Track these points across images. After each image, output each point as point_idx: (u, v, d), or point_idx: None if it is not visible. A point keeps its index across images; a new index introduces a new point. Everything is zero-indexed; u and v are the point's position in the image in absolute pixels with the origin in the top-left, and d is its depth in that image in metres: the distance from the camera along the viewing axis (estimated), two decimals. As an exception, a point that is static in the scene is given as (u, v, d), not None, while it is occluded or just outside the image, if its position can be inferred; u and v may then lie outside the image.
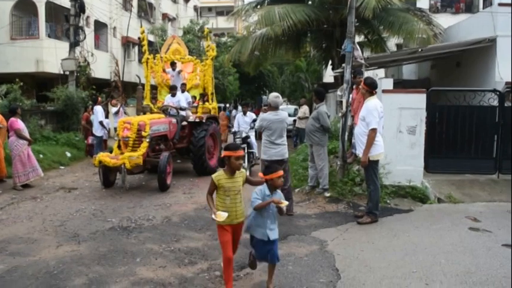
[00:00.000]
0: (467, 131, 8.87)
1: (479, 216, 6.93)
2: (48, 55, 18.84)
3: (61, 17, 19.35)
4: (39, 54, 19.04)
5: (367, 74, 11.63)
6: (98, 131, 12.48)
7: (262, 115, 7.26)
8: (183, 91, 11.74)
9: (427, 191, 8.05)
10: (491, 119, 8.84)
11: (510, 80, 9.86)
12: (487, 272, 4.74)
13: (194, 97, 12.46)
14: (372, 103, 6.55)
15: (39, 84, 20.37)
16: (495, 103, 8.80)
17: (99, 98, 13.26)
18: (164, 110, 11.11)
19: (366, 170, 6.72)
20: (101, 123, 12.41)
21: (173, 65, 12.40)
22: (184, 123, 11.11)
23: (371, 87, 6.63)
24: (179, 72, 12.45)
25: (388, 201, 7.79)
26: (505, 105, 8.82)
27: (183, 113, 11.09)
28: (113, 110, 14.08)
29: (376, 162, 6.69)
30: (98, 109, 12.51)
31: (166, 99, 11.59)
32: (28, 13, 19.96)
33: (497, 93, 8.79)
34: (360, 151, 6.71)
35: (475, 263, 5.02)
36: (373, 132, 6.43)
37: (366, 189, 7.10)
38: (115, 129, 12.98)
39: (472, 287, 4.40)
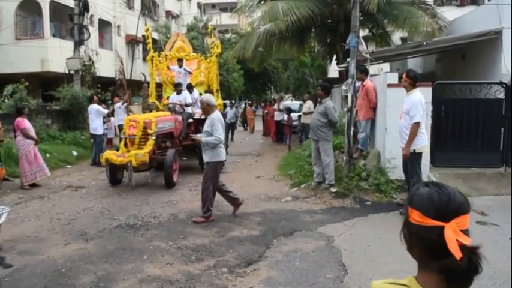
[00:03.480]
0: (473, 124, 8.81)
1: (486, 209, 6.90)
2: (53, 54, 18.91)
3: (65, 16, 19.41)
4: (44, 54, 19.11)
5: (372, 68, 11.59)
6: (97, 129, 12.18)
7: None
8: (190, 90, 11.72)
9: (433, 185, 8.00)
10: (497, 111, 8.77)
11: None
12: (494, 266, 4.72)
13: (200, 94, 12.46)
14: (417, 96, 6.52)
15: (44, 83, 20.45)
16: (501, 96, 8.73)
17: (95, 97, 13.11)
18: (170, 108, 11.13)
19: (411, 162, 6.67)
20: (107, 115, 12.41)
21: (180, 61, 12.39)
22: (191, 120, 11.13)
23: (414, 80, 6.60)
24: (185, 69, 12.45)
25: (394, 195, 7.77)
26: (512, 97, 8.76)
27: (189, 110, 11.10)
28: (116, 108, 14.03)
29: (421, 154, 6.68)
30: (94, 107, 12.21)
31: (172, 97, 11.59)
32: (32, 13, 20.02)
33: (504, 85, 8.72)
34: (403, 144, 6.68)
35: (482, 256, 4.99)
36: (416, 126, 6.44)
37: (409, 180, 6.95)
38: (119, 127, 13.01)
39: (480, 281, 4.37)
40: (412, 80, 6.59)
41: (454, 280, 1.16)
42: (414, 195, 1.27)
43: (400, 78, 8.99)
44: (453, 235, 1.14)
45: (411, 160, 6.63)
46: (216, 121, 6.53)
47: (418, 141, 6.52)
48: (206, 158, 6.65)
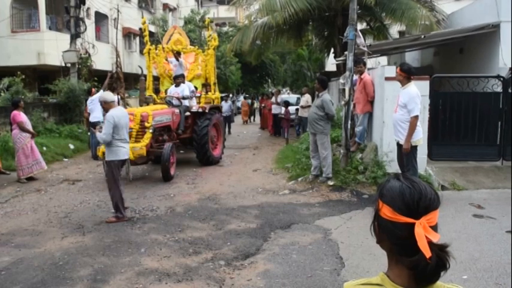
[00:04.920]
0: (470, 117, 8.82)
1: (483, 203, 6.92)
2: (49, 47, 18.80)
3: (61, 9, 19.27)
4: (40, 47, 19.01)
5: (369, 61, 11.57)
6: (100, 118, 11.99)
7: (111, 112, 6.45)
8: (183, 82, 11.63)
9: (430, 178, 8.02)
10: (495, 105, 8.77)
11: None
12: (491, 259, 4.75)
13: (196, 87, 12.41)
14: (413, 90, 6.52)
15: (41, 76, 20.37)
16: (499, 89, 8.73)
17: (93, 89, 12.96)
18: (167, 101, 11.09)
19: (407, 156, 6.68)
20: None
21: (178, 54, 12.31)
22: (188, 113, 11.09)
23: (408, 73, 6.59)
24: (181, 62, 12.37)
25: (391, 189, 7.77)
26: (509, 91, 8.76)
27: (186, 103, 11.06)
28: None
29: (416, 147, 6.71)
30: (97, 96, 11.81)
31: (170, 90, 11.52)
32: (28, 5, 19.89)
33: (501, 79, 8.72)
34: (398, 137, 6.71)
35: (479, 249, 5.02)
36: (416, 119, 6.47)
37: (406, 173, 7.03)
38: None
39: (476, 274, 4.41)
40: (406, 74, 6.58)
41: (422, 276, 1.15)
42: (384, 188, 1.25)
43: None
44: (423, 232, 1.13)
45: (407, 153, 6.65)
46: (106, 120, 6.30)
47: (413, 134, 6.54)
48: (106, 156, 6.54)
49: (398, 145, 6.84)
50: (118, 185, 6.45)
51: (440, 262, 1.14)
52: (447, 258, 1.15)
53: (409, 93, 6.49)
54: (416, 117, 6.46)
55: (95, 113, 11.88)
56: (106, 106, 6.50)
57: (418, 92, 6.53)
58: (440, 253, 1.14)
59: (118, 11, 13.92)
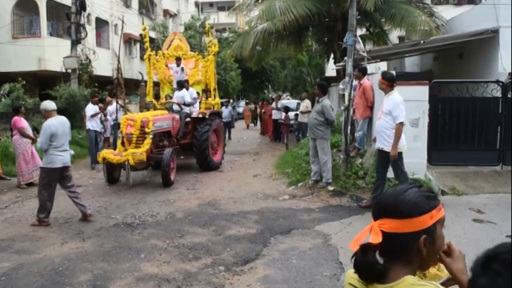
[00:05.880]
0: (470, 122, 8.83)
1: (483, 207, 6.91)
2: (50, 53, 18.86)
3: (62, 15, 19.36)
4: (41, 53, 19.06)
5: (369, 67, 11.59)
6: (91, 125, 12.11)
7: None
8: (187, 88, 11.67)
9: (430, 183, 8.02)
10: (494, 110, 8.79)
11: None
12: (491, 263, 4.74)
13: (198, 93, 12.45)
14: (397, 97, 6.59)
15: (41, 82, 20.39)
16: (498, 94, 8.75)
17: (96, 97, 12.94)
18: (168, 107, 11.12)
19: (395, 164, 6.71)
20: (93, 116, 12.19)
21: (178, 60, 12.35)
22: (188, 119, 11.12)
23: (391, 81, 6.66)
24: (183, 68, 12.42)
25: (391, 194, 7.77)
26: (508, 96, 8.78)
27: (186, 109, 11.09)
28: (109, 108, 13.27)
29: (401, 154, 6.75)
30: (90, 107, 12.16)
31: (176, 95, 11.54)
32: (29, 12, 19.96)
33: (500, 84, 8.74)
34: (382, 144, 6.73)
35: (479, 254, 5.00)
36: (401, 125, 6.53)
37: (380, 179, 7.06)
38: (112, 127, 12.93)
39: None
40: (389, 82, 6.68)
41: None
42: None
43: (397, 76, 9.02)
44: (368, 231, 1.32)
45: (394, 161, 6.67)
46: (42, 128, 6.46)
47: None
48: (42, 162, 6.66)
49: (380, 152, 6.87)
50: (49, 192, 6.54)
51: (366, 264, 1.28)
52: (372, 266, 1.27)
53: (393, 100, 6.56)
54: (401, 123, 6.53)
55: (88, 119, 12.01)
56: (46, 114, 6.62)
57: (401, 99, 6.60)
58: (368, 258, 1.27)
59: (123, 22, 13.98)
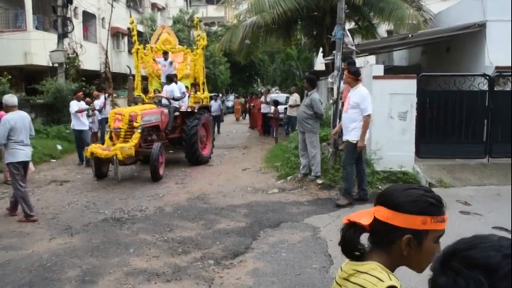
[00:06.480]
0: (457, 115, 8.91)
1: (469, 199, 6.99)
2: (36, 47, 18.59)
3: (48, 9, 19.09)
4: (27, 47, 18.78)
5: (358, 60, 11.62)
6: (74, 125, 11.52)
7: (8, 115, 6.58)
8: (175, 82, 11.59)
9: (418, 176, 8.10)
10: (481, 103, 8.88)
11: (499, 65, 9.90)
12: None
13: (187, 87, 12.39)
14: (364, 90, 6.77)
15: (28, 77, 20.13)
16: (485, 88, 8.83)
17: (80, 93, 12.65)
18: (156, 101, 11.05)
19: (349, 152, 6.88)
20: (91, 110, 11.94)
21: (165, 54, 12.27)
22: (177, 113, 11.06)
23: (355, 75, 6.82)
24: (171, 62, 12.34)
25: (380, 186, 7.82)
26: (495, 89, 8.86)
27: (175, 103, 11.03)
28: (96, 102, 12.89)
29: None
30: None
31: (165, 89, 11.47)
32: (14, 5, 19.65)
33: (487, 77, 8.82)
34: (347, 136, 6.86)
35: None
36: (369, 117, 6.68)
37: (342, 171, 7.28)
38: (100, 121, 12.81)
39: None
40: (354, 76, 6.84)
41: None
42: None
43: (386, 70, 9.07)
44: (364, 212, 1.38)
45: (351, 150, 6.83)
46: (1, 123, 6.49)
47: (357, 134, 6.72)
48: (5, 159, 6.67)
49: (347, 144, 6.98)
50: (17, 186, 6.52)
51: (347, 239, 1.35)
52: (351, 242, 1.35)
53: (360, 93, 6.72)
54: (369, 115, 6.70)
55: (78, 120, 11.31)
56: (6, 109, 6.65)
57: (368, 92, 6.81)
58: (350, 233, 1.35)
59: (112, 5, 13.78)
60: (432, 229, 1.27)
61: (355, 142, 6.75)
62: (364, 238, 1.36)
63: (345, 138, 6.99)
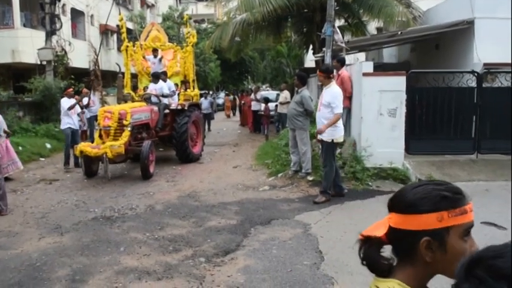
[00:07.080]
0: (446, 112, 8.98)
1: (458, 195, 7.04)
2: (24, 45, 18.37)
3: (36, 6, 18.86)
4: (14, 44, 18.55)
5: (347, 58, 11.65)
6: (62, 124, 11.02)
7: None
8: (164, 80, 11.47)
9: (408, 172, 8.16)
10: (469, 100, 8.96)
11: (488, 62, 9.99)
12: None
13: (176, 85, 12.34)
14: (336, 89, 6.89)
15: (15, 74, 19.90)
16: (473, 84, 8.91)
17: (70, 89, 12.43)
18: (146, 99, 10.98)
19: (326, 151, 6.94)
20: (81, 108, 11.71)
21: (155, 51, 12.20)
22: (167, 111, 11.02)
23: (327, 73, 6.90)
24: (160, 59, 12.27)
25: (370, 183, 7.88)
26: (483, 86, 8.95)
27: (165, 100, 10.98)
28: (84, 101, 12.39)
29: (337, 144, 7.09)
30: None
31: (150, 87, 11.40)
32: (1, 2, 19.39)
33: (475, 74, 8.90)
34: (322, 135, 6.90)
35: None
36: (339, 116, 6.79)
37: (322, 169, 7.33)
38: (88, 120, 12.71)
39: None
40: (325, 73, 6.92)
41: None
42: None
43: (375, 67, 9.11)
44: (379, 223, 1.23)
45: (328, 149, 6.90)
46: None
47: (336, 132, 6.82)
48: None
49: (322, 142, 7.04)
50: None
51: (367, 257, 1.20)
52: (373, 259, 1.18)
53: (332, 92, 6.82)
54: (340, 113, 6.80)
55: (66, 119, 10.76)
56: None
57: (340, 91, 6.90)
58: (369, 251, 1.19)
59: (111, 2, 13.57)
60: (452, 224, 1.11)
61: (330, 141, 6.82)
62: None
63: (319, 137, 7.01)
